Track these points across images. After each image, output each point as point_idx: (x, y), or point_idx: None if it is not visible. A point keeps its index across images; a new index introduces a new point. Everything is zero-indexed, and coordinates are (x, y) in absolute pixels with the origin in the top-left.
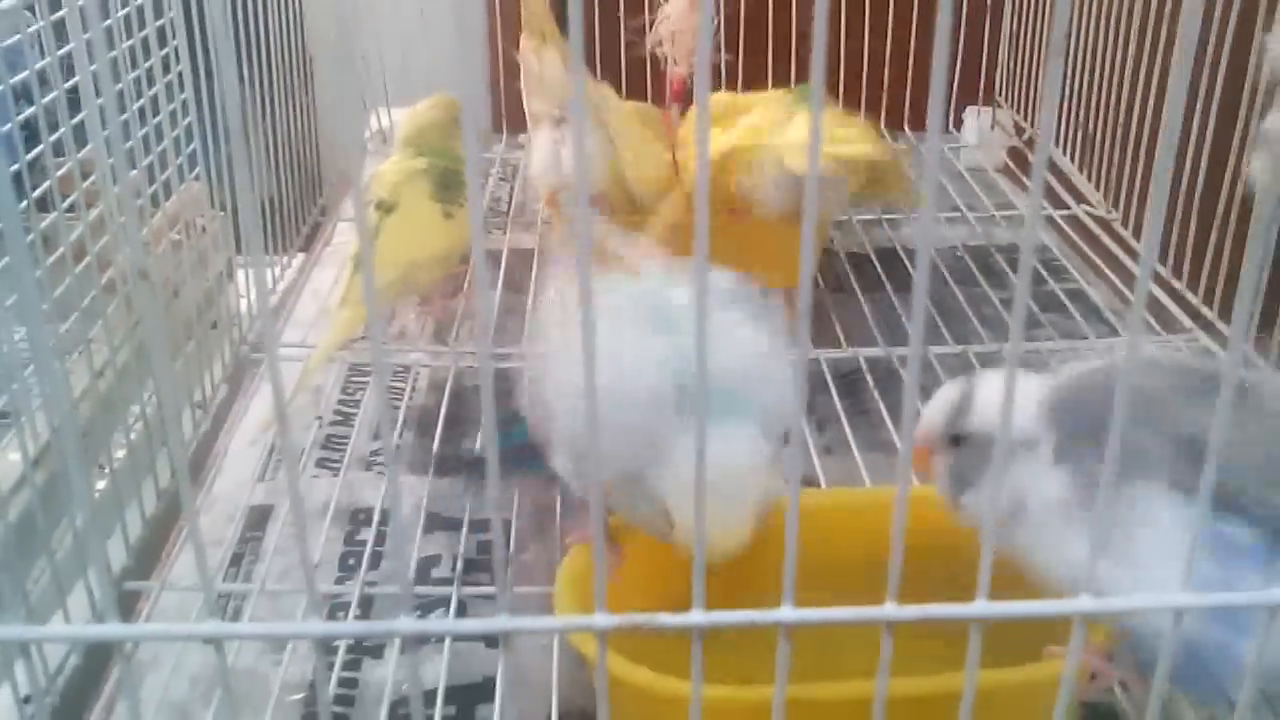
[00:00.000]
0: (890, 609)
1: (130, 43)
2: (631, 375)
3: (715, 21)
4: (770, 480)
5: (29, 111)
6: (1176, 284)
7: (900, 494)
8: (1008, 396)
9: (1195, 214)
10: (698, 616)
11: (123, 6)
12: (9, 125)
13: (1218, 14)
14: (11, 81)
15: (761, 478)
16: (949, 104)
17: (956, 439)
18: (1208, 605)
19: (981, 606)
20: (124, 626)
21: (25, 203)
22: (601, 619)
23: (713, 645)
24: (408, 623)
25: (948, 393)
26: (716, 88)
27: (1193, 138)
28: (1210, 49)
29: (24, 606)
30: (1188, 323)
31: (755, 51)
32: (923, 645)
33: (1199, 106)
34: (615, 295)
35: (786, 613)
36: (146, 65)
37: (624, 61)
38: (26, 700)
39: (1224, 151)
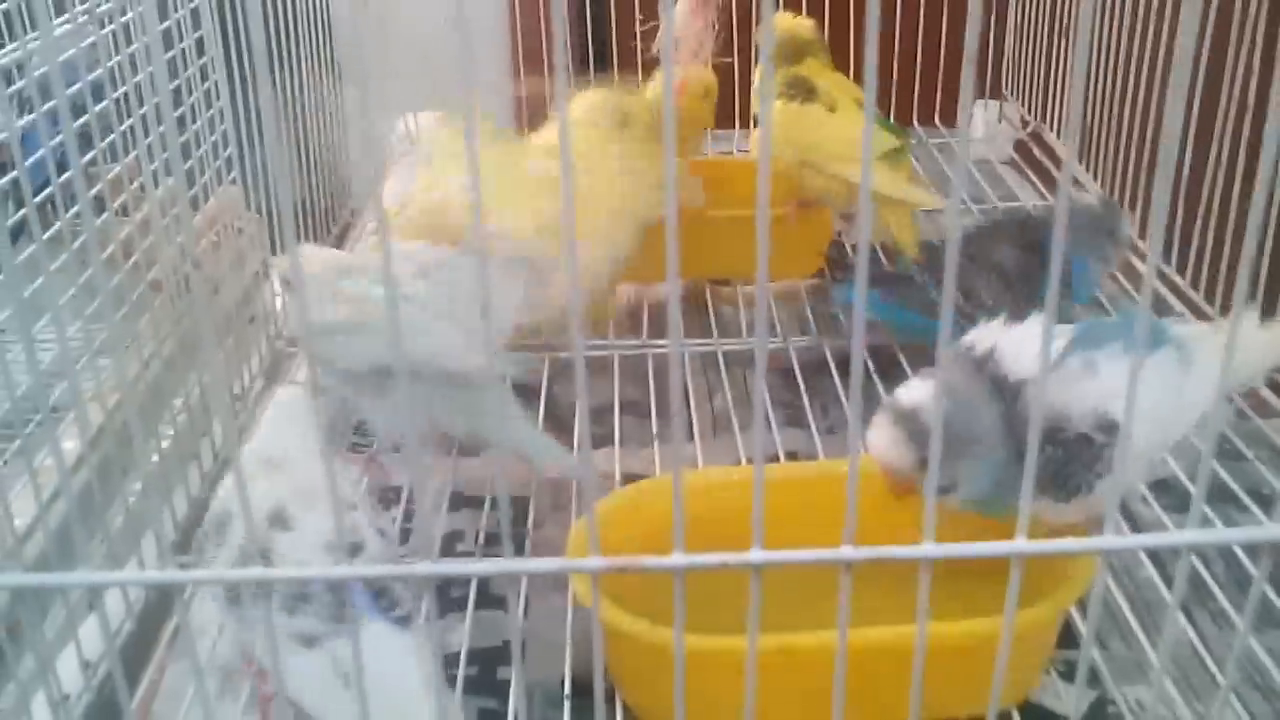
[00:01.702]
0: (848, 550)
1: (170, 54)
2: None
3: (716, 25)
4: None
5: (83, 120)
6: (1178, 279)
7: (852, 457)
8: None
9: (1197, 209)
10: (678, 559)
11: (161, 21)
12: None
13: (1213, 10)
14: (68, 92)
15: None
16: (956, 97)
17: (925, 461)
18: (1132, 546)
19: (930, 548)
20: (183, 572)
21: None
22: (594, 561)
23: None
24: (429, 565)
25: (892, 431)
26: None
27: (1191, 133)
28: (1207, 44)
29: (98, 554)
30: (1189, 316)
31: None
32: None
33: (1198, 101)
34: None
35: (755, 555)
36: (185, 75)
37: (640, 63)
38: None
39: (1225, 148)
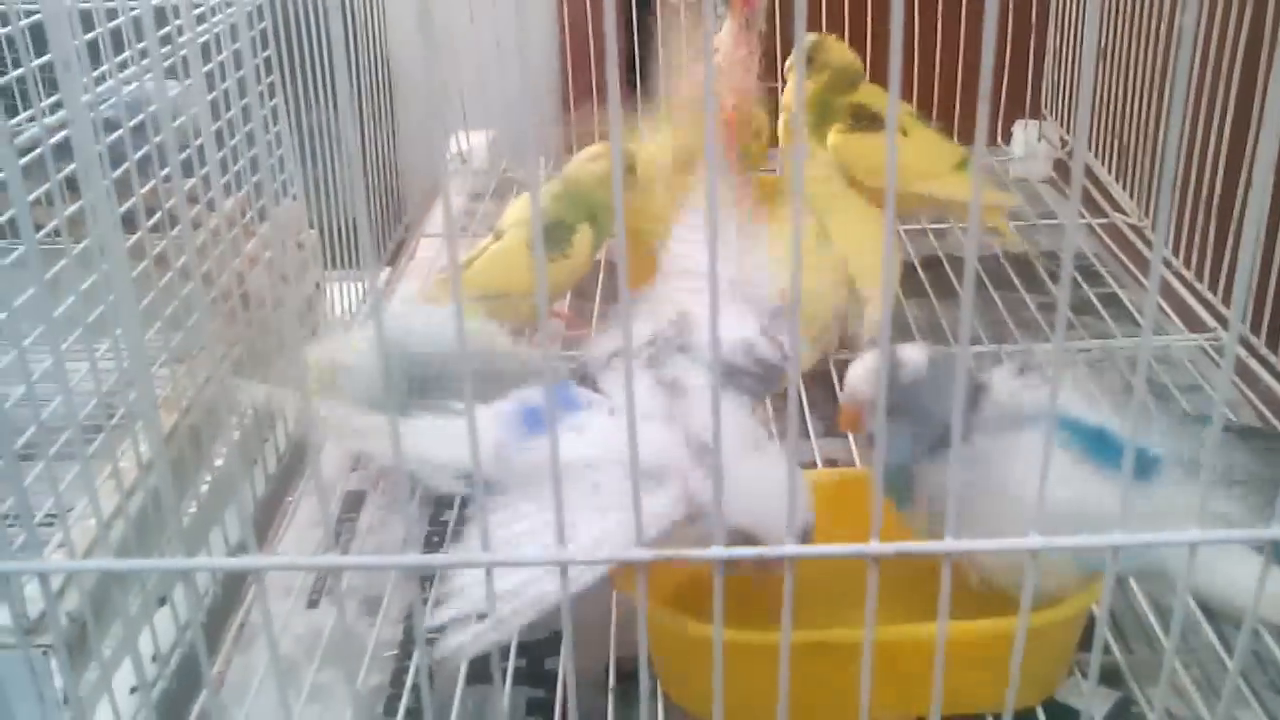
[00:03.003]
0: (875, 545)
1: (238, 76)
2: None
3: (758, 53)
4: None
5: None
6: (1199, 285)
7: (877, 462)
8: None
9: (1215, 218)
10: (718, 551)
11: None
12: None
13: (1233, 22)
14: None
15: None
16: (998, 117)
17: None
18: (1138, 543)
19: (950, 543)
20: (259, 557)
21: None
22: (640, 552)
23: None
24: (485, 555)
25: (870, 365)
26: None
27: (1211, 144)
28: (1226, 57)
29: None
30: (1211, 322)
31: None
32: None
33: (1216, 113)
34: None
35: (790, 548)
36: (245, 101)
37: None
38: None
39: (1242, 156)
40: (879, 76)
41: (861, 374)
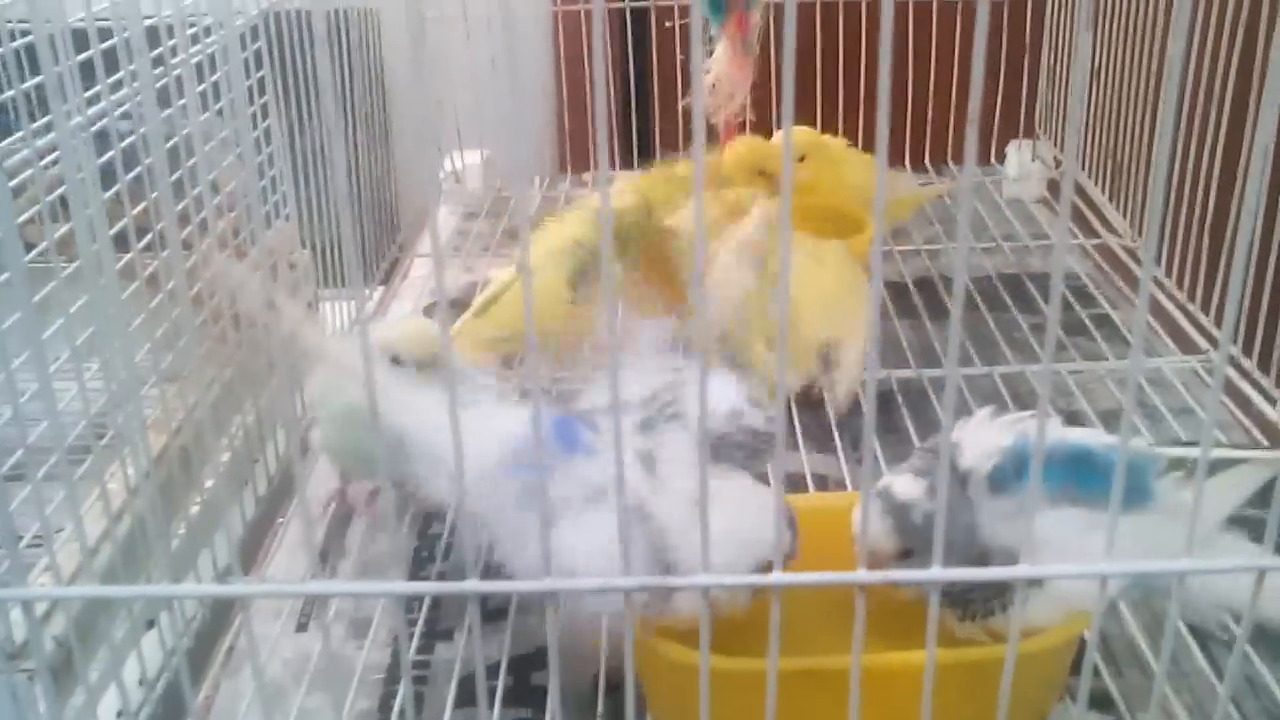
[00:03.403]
0: (862, 574)
1: (232, 96)
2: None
3: (752, 76)
4: None
5: (141, 168)
6: (1191, 307)
7: (864, 491)
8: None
9: (1208, 240)
10: (703, 578)
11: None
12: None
13: (1225, 43)
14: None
15: None
16: (992, 138)
17: (907, 552)
18: (1128, 572)
19: (938, 572)
20: (244, 584)
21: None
22: (625, 580)
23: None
24: (474, 583)
25: (882, 521)
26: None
27: (1204, 166)
28: (1219, 79)
29: (168, 569)
30: (1204, 344)
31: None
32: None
33: (1209, 135)
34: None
35: (777, 576)
36: (249, 111)
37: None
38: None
39: (1234, 178)
40: (873, 100)
41: (871, 531)
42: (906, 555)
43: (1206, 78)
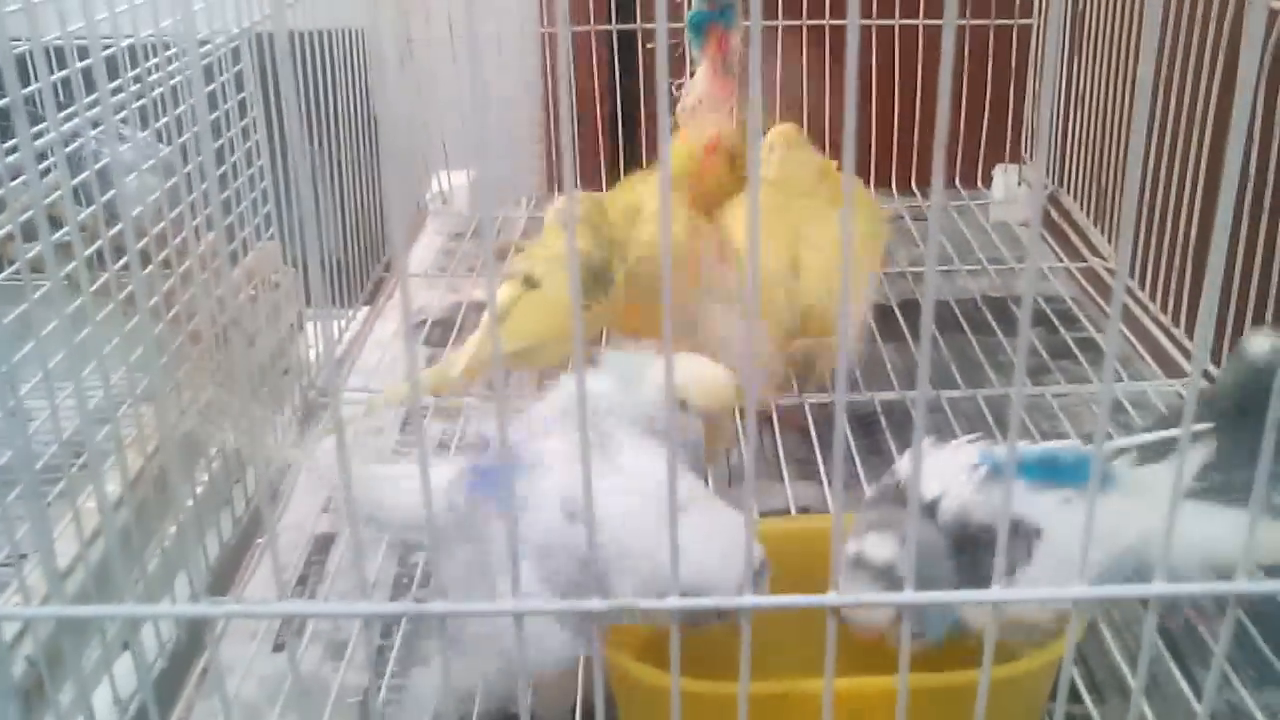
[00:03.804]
0: (833, 596)
1: (215, 115)
2: None
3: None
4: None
5: (131, 177)
6: (1175, 331)
7: (835, 513)
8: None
9: (1190, 262)
10: (672, 602)
11: (206, 84)
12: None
13: (1206, 66)
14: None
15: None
16: (978, 162)
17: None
18: (1100, 598)
19: (910, 595)
20: (217, 606)
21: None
22: (595, 603)
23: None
24: (442, 605)
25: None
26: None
27: (1186, 188)
28: (1200, 103)
29: (135, 593)
30: (1187, 367)
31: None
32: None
33: (1191, 158)
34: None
35: (747, 600)
36: (228, 135)
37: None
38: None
39: (1215, 202)
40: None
41: (863, 617)
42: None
43: (1188, 103)
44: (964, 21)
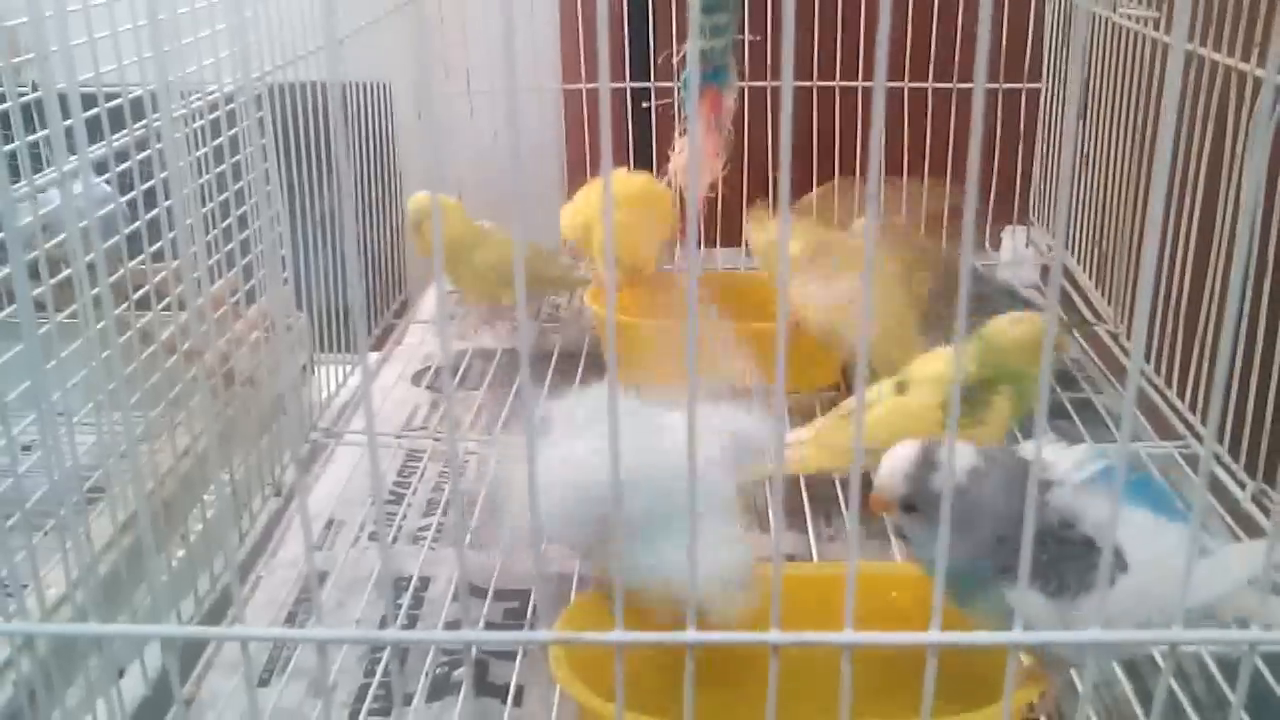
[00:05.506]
0: (848, 634)
1: (233, 161)
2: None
3: (721, 154)
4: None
5: (135, 226)
6: (1169, 392)
7: (851, 554)
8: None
9: (1183, 326)
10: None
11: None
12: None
13: (1197, 131)
14: (122, 200)
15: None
16: (986, 223)
17: (910, 506)
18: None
19: (934, 635)
20: (212, 628)
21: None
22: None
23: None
24: (435, 633)
25: (906, 453)
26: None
27: (1180, 253)
28: (1191, 169)
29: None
30: (1181, 429)
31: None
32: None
33: (1184, 225)
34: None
35: (773, 635)
36: (247, 179)
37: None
38: None
39: (1207, 266)
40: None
41: (891, 468)
42: (910, 509)
43: (1181, 168)
44: (968, 85)
